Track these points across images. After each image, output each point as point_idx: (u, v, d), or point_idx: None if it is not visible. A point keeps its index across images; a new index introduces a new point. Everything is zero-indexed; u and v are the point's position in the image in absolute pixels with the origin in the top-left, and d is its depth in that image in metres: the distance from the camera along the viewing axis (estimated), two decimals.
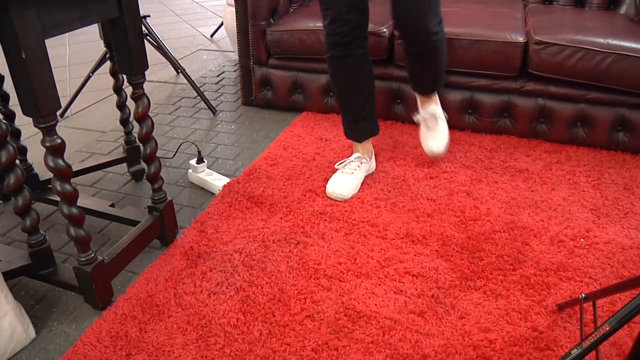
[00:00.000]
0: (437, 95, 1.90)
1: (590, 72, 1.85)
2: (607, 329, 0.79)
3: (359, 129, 1.82)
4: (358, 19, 1.61)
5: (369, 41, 1.69)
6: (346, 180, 1.74)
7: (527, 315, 1.25)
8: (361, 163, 1.80)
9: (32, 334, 1.24)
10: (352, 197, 1.73)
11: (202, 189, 1.84)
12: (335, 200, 1.72)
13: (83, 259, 1.26)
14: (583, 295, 1.16)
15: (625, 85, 1.83)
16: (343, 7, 1.57)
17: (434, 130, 1.86)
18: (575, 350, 0.82)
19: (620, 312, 0.79)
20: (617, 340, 1.18)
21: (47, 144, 1.12)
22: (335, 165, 1.84)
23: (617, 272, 1.38)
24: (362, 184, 1.79)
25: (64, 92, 2.69)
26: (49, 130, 1.11)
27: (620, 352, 1.15)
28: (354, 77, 1.71)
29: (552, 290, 1.32)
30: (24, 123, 1.37)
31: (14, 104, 1.39)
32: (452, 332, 1.21)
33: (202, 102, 2.50)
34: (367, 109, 1.79)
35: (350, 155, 1.85)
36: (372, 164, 1.87)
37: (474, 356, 1.15)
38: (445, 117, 1.90)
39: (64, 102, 2.46)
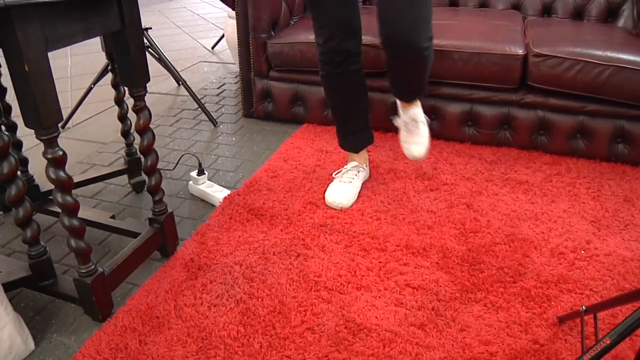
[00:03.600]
0: (419, 100, 1.82)
1: (589, 84, 1.85)
2: (608, 342, 0.79)
3: (354, 141, 1.84)
4: (351, 37, 1.60)
5: (362, 56, 1.69)
6: (345, 189, 1.77)
7: (528, 328, 1.24)
8: (358, 172, 1.83)
9: (32, 345, 1.24)
10: (351, 207, 1.75)
11: (203, 200, 1.85)
12: (335, 210, 1.74)
13: (83, 271, 1.26)
14: (584, 307, 1.15)
15: (624, 97, 1.84)
16: (334, 27, 1.57)
17: (415, 134, 1.77)
18: None
19: (621, 325, 0.79)
20: (618, 353, 1.17)
21: (49, 156, 1.12)
22: (333, 175, 1.87)
23: (618, 284, 1.38)
24: (362, 195, 1.79)
25: (66, 103, 2.70)
26: (50, 142, 1.11)
27: None
28: (348, 93, 1.73)
29: (552, 303, 1.32)
30: (26, 134, 1.38)
31: (16, 115, 1.40)
32: (452, 345, 1.21)
33: (203, 113, 2.50)
34: (362, 122, 1.82)
35: (347, 164, 1.88)
36: (367, 172, 1.91)
37: None
38: (427, 121, 1.80)
39: (65, 114, 2.47)
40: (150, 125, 1.39)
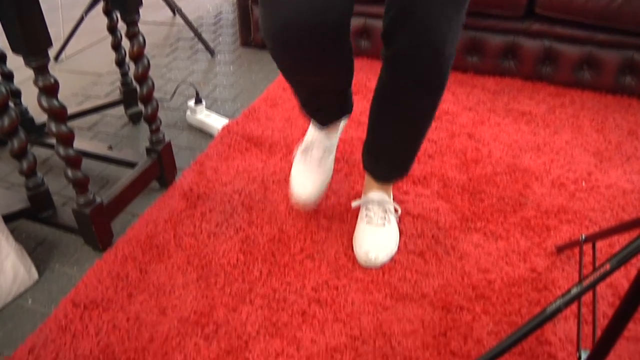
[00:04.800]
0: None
1: (600, 12, 1.78)
2: (608, 268, 0.79)
3: (325, 116, 1.31)
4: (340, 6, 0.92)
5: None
6: (312, 176, 1.34)
7: (526, 257, 1.25)
8: (324, 150, 1.38)
9: (35, 275, 1.25)
10: (317, 198, 1.35)
11: (201, 130, 1.82)
12: (303, 208, 1.41)
13: (82, 201, 1.25)
14: (583, 236, 1.16)
15: (636, 26, 1.77)
16: None
17: (377, 227, 1.26)
18: (575, 289, 0.82)
19: (621, 251, 0.79)
20: (613, 281, 1.18)
21: (40, 84, 1.09)
22: (295, 153, 1.42)
23: (617, 215, 1.38)
24: (362, 123, 1.73)
25: (57, 35, 2.61)
26: (40, 70, 1.08)
27: (615, 292, 1.16)
28: (324, 81, 1.12)
29: (551, 233, 1.32)
30: (18, 66, 1.34)
31: (6, 46, 1.35)
32: (451, 272, 1.22)
33: (200, 43, 2.44)
34: (341, 100, 1.28)
35: (310, 129, 1.41)
36: (337, 137, 1.44)
37: (472, 296, 1.16)
38: (399, 211, 1.34)
39: (57, 46, 2.41)
40: (146, 55, 1.35)
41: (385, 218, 1.29)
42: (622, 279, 1.19)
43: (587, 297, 1.14)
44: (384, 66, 1.10)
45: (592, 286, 0.81)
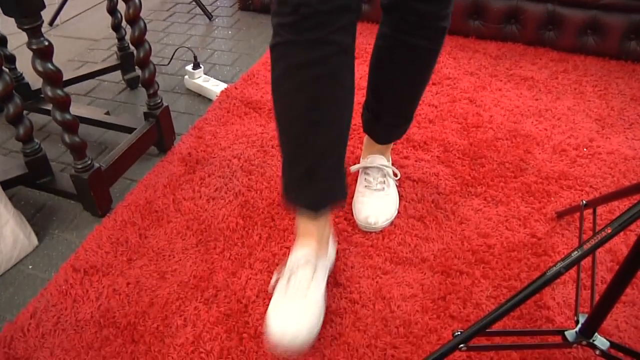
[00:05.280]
0: (391, 145, 1.34)
1: None
2: (609, 231, 0.78)
3: (316, 189, 1.00)
4: None
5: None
6: (298, 309, 0.96)
7: (526, 222, 1.25)
8: (315, 268, 1.00)
9: (35, 241, 1.25)
10: (308, 340, 0.95)
11: (199, 95, 1.80)
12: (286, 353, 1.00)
13: (80, 167, 1.24)
14: (584, 201, 1.15)
15: None
16: None
17: (377, 192, 1.25)
18: (576, 252, 0.81)
19: (622, 215, 0.78)
20: (612, 247, 1.18)
21: (34, 47, 1.07)
22: (272, 286, 1.04)
23: (618, 182, 1.37)
24: (362, 88, 1.69)
25: None
26: (34, 32, 1.06)
27: (614, 258, 1.16)
28: (326, 92, 0.91)
29: (552, 198, 1.32)
30: (13, 32, 1.31)
31: None
32: (451, 237, 1.22)
33: (198, 7, 2.40)
34: (337, 154, 0.98)
35: (293, 252, 1.03)
36: (332, 256, 1.13)
37: (472, 260, 1.16)
38: (398, 176, 1.33)
39: (52, 10, 2.36)
40: (142, 18, 1.32)
41: (384, 182, 1.28)
42: (621, 245, 1.19)
43: (585, 263, 1.14)
44: (385, 18, 1.08)
45: (593, 249, 0.81)
